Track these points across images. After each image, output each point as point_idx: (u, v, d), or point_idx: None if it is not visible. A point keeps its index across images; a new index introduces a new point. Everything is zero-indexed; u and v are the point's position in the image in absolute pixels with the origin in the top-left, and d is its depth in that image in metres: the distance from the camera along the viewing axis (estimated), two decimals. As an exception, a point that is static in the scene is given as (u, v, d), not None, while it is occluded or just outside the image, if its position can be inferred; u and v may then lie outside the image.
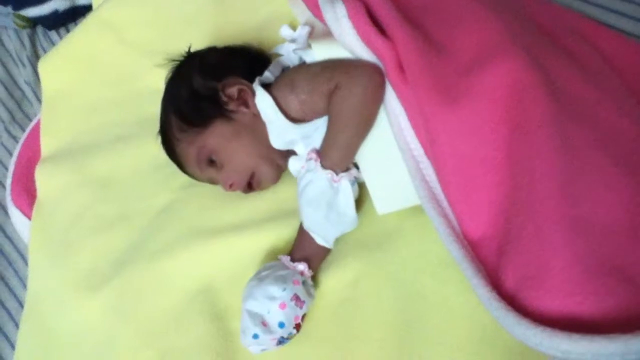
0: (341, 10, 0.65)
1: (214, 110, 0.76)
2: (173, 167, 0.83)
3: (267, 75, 0.76)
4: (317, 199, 0.67)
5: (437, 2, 0.69)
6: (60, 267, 0.83)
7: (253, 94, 0.74)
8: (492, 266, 0.55)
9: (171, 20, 1.00)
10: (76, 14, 1.23)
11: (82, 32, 1.05)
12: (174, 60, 0.83)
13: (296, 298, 0.65)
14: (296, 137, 0.72)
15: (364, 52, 0.67)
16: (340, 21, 0.65)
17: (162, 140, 0.82)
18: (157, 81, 0.93)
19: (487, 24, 0.63)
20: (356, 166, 0.71)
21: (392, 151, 0.67)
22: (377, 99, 0.67)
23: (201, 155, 0.76)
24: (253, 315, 0.65)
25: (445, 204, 0.61)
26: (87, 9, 1.21)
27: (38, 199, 0.94)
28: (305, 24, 0.81)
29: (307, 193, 0.68)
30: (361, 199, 0.74)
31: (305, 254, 0.70)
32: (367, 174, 0.69)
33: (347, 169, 0.69)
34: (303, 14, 0.85)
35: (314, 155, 0.69)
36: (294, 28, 0.82)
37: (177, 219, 0.81)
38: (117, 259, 0.80)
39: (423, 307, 0.64)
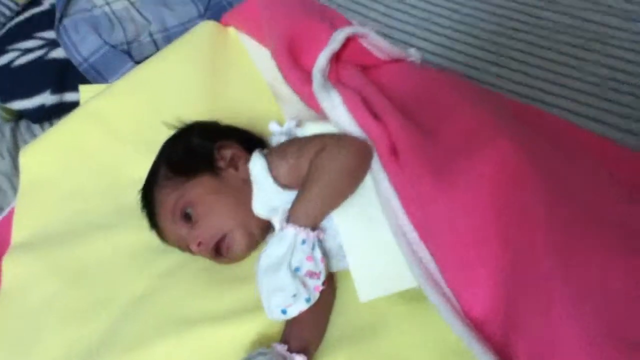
0: (337, 98, 0.69)
1: (204, 165, 0.76)
2: (151, 253, 0.81)
3: (265, 152, 0.78)
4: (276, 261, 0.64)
5: (426, 95, 0.73)
6: (22, 362, 0.76)
7: (245, 161, 0.75)
8: (499, 344, 0.54)
9: (161, 111, 1.02)
10: (63, 109, 1.24)
11: (68, 122, 1.06)
12: (175, 127, 0.85)
13: None
14: (279, 203, 0.71)
15: (358, 134, 0.69)
16: (336, 109, 0.69)
17: (143, 187, 0.81)
18: (138, 171, 0.93)
19: (474, 114, 0.67)
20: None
21: (380, 236, 0.67)
22: (361, 167, 0.68)
23: (178, 204, 0.75)
24: None
25: (443, 284, 0.60)
26: (74, 105, 1.22)
27: (2, 289, 0.89)
28: (292, 119, 0.84)
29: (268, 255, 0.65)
30: (344, 286, 0.72)
31: (302, 343, 0.66)
32: (352, 258, 0.68)
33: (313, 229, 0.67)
34: (291, 110, 0.89)
35: (283, 219, 0.68)
36: (281, 124, 0.85)
37: (153, 308, 0.77)
38: (89, 351, 0.74)
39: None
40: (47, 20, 1.25)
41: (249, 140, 0.82)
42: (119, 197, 0.95)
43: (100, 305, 0.80)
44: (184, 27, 1.27)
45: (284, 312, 0.63)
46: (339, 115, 0.69)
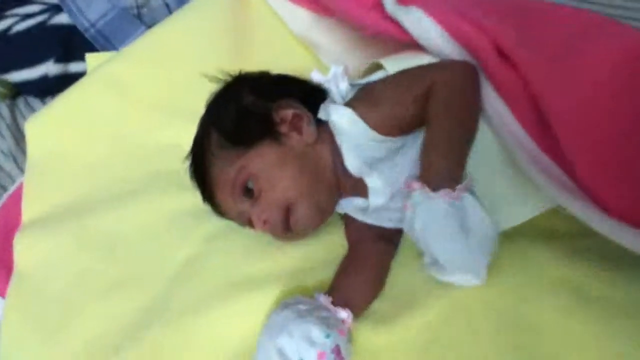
0: (417, 11, 0.60)
1: (263, 130, 0.66)
2: (194, 218, 0.71)
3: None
4: (444, 232, 0.54)
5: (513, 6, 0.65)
6: (51, 345, 0.66)
7: (308, 121, 0.66)
8: None
9: (183, 73, 0.92)
10: (68, 81, 1.10)
11: (77, 89, 0.95)
12: (220, 81, 0.74)
13: (337, 351, 0.53)
14: (377, 155, 0.62)
15: (451, 47, 0.61)
16: (421, 22, 0.60)
17: (192, 160, 0.70)
18: (168, 137, 0.86)
19: (581, 13, 0.61)
20: None
21: (493, 161, 0.60)
22: (477, 93, 0.60)
23: (239, 178, 0.65)
24: (282, 356, 0.53)
25: (579, 194, 0.53)
26: (80, 76, 1.10)
27: (16, 271, 0.77)
28: (337, 66, 0.74)
29: (431, 230, 0.55)
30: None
31: (347, 298, 0.59)
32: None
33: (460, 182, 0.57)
34: (330, 58, 0.83)
35: (415, 186, 0.57)
36: (323, 73, 0.75)
37: (203, 274, 0.68)
38: (134, 324, 0.64)
39: (536, 340, 0.54)
40: (48, -17, 1.13)
41: (309, 92, 0.72)
42: (146, 164, 0.85)
43: (139, 276, 0.71)
44: (199, -11, 1.16)
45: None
46: (426, 30, 0.61)
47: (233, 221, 0.70)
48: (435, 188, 0.55)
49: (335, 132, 0.65)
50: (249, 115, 0.68)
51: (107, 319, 0.68)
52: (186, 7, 1.01)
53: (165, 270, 0.70)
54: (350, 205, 0.68)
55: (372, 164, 0.64)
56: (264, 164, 0.65)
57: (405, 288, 0.62)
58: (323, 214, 0.68)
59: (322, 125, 0.68)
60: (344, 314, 0.58)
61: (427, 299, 0.60)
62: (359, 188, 0.67)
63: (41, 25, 1.10)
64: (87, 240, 0.77)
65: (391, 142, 0.63)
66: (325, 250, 0.69)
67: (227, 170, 0.65)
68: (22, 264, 0.77)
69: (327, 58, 0.86)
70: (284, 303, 0.58)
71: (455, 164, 0.57)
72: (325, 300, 0.59)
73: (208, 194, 0.69)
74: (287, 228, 0.65)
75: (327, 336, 0.53)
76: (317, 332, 0.53)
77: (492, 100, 0.60)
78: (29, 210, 0.84)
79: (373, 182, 0.64)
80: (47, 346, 0.66)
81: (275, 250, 0.68)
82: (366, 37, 0.84)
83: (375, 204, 0.65)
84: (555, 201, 0.57)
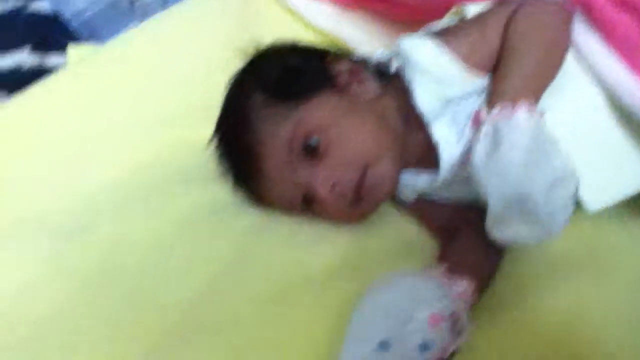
0: None
1: (319, 81, 0.57)
2: (217, 214, 0.61)
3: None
4: (526, 157, 0.45)
5: None
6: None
7: (367, 75, 0.58)
8: None
9: (190, 69, 0.83)
10: (43, 76, 0.99)
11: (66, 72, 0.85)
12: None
13: (454, 320, 0.44)
14: (460, 93, 0.54)
15: None
16: None
17: (225, 133, 0.60)
18: (170, 134, 0.75)
19: None
20: None
21: (595, 126, 0.54)
22: (567, 32, 0.53)
23: (298, 133, 0.54)
24: (388, 314, 0.43)
25: None
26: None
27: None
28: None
29: (509, 157, 0.46)
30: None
31: (469, 266, 0.49)
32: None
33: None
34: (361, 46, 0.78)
35: (483, 116, 0.49)
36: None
37: (243, 278, 0.55)
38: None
39: None
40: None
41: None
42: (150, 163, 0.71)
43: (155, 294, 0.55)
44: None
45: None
46: None
47: (275, 207, 0.59)
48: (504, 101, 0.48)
49: (406, 69, 0.56)
50: (300, 70, 0.58)
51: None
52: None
53: (189, 281, 0.56)
54: (416, 181, 0.59)
55: (448, 103, 0.55)
56: (330, 114, 0.55)
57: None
58: (398, 179, 0.58)
59: (385, 81, 0.60)
60: (463, 282, 0.47)
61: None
62: (426, 160, 0.57)
63: (18, 11, 0.98)
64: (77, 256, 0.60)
65: (476, 81, 0.54)
66: (382, 242, 0.59)
67: (281, 127, 0.54)
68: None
69: (360, 48, 0.78)
70: (393, 273, 0.48)
71: (524, 84, 0.50)
72: (440, 268, 0.49)
73: (250, 172, 0.57)
74: (358, 196, 0.54)
75: (443, 297, 0.44)
76: (430, 291, 0.45)
77: (596, 47, 0.53)
78: None
79: (442, 130, 0.55)
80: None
81: (326, 241, 0.58)
82: (395, 23, 0.82)
83: (448, 162, 0.55)
84: None
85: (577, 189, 0.48)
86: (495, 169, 0.47)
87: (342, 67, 0.59)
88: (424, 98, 0.54)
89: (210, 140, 0.64)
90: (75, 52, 0.94)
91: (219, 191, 0.64)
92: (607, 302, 0.52)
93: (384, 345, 0.42)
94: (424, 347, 0.42)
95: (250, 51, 0.64)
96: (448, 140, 0.55)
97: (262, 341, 0.49)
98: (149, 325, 0.51)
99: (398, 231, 0.62)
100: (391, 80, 0.59)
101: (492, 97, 0.51)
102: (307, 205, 0.57)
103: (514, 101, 0.48)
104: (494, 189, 0.47)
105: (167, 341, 0.49)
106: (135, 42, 0.88)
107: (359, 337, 0.44)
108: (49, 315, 0.52)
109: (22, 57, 0.95)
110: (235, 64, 0.64)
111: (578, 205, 0.51)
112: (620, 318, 0.50)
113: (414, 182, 0.60)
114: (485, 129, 0.48)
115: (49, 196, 0.67)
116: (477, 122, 0.50)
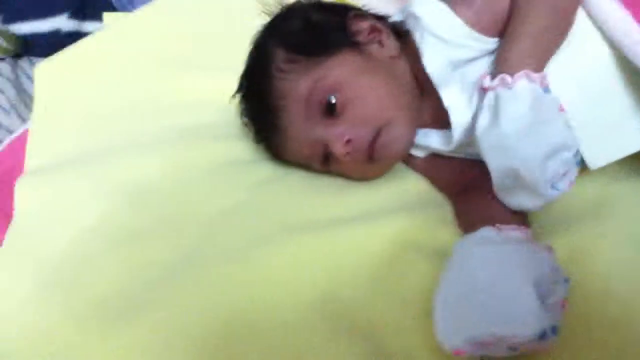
0: None
1: (340, 39, 0.59)
2: (235, 167, 0.64)
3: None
4: (523, 130, 0.47)
5: None
6: (51, 301, 0.53)
7: (387, 33, 0.60)
8: None
9: (208, 31, 0.86)
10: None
11: (93, 38, 0.88)
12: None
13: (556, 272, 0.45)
14: (468, 56, 0.55)
15: None
16: None
17: (248, 87, 0.62)
18: (188, 92, 0.79)
19: None
20: None
21: (600, 83, 0.54)
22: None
23: (317, 90, 0.56)
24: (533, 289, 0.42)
25: None
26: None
27: (16, 218, 0.66)
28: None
29: (507, 130, 0.47)
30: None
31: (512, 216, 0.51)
32: (577, 116, 0.51)
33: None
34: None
35: (486, 83, 0.50)
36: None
37: (251, 219, 0.58)
38: (151, 279, 0.54)
39: None
40: None
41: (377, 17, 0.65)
42: (168, 118, 0.75)
43: (169, 225, 0.60)
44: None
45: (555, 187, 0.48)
46: None
47: (294, 161, 0.62)
48: (511, 73, 0.49)
49: (416, 31, 0.57)
50: (321, 27, 0.60)
51: (123, 272, 0.57)
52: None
53: (200, 218, 0.60)
54: (430, 141, 0.61)
55: (457, 66, 0.56)
56: (349, 72, 0.57)
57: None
58: (412, 140, 0.60)
59: (402, 40, 0.61)
60: (546, 243, 0.48)
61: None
62: (440, 122, 0.59)
63: (57, -23, 1.02)
64: (102, 188, 0.66)
65: (484, 43, 0.55)
66: (395, 194, 0.61)
67: (302, 82, 0.57)
68: (23, 210, 0.66)
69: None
70: (471, 239, 0.48)
71: (530, 49, 0.51)
72: (518, 229, 0.49)
73: (270, 126, 0.60)
74: (372, 153, 0.57)
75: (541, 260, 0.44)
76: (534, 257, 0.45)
77: (608, 6, 0.53)
78: (34, 157, 0.74)
79: (452, 95, 0.56)
80: (45, 303, 0.53)
81: (329, 194, 0.60)
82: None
83: (460, 126, 0.56)
84: None
85: (578, 155, 0.49)
86: (494, 141, 0.49)
87: (363, 25, 0.61)
88: (433, 60, 0.56)
89: (234, 95, 0.67)
90: (110, 19, 0.99)
91: (244, 146, 0.68)
92: (609, 251, 0.52)
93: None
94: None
95: (275, 8, 0.67)
96: (458, 105, 0.56)
97: (270, 276, 0.52)
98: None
99: (411, 184, 0.64)
100: (406, 42, 0.61)
101: (497, 64, 0.52)
102: (325, 161, 0.60)
103: (516, 69, 0.49)
104: (493, 161, 0.50)
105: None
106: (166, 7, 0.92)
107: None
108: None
109: (61, 22, 1.00)
110: (260, 22, 0.67)
111: (581, 162, 0.53)
112: (623, 265, 0.51)
113: (428, 141, 0.61)
114: (487, 99, 0.50)
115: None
116: (485, 82, 0.52)
